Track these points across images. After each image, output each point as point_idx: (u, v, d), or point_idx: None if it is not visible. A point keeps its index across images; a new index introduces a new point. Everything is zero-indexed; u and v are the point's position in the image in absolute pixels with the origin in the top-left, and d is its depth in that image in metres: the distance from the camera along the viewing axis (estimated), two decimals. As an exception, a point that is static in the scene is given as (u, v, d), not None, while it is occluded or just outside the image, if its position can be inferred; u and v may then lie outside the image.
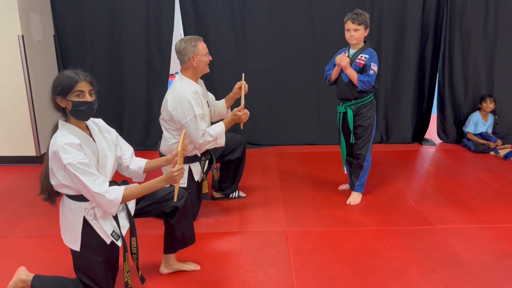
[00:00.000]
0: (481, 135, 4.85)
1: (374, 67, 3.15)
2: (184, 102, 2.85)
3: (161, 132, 3.12)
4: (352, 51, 3.24)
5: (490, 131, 4.93)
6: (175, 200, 2.19)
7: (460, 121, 5.10)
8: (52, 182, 2.01)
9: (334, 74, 3.29)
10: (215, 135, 2.94)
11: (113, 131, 2.25)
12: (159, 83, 4.89)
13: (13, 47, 4.21)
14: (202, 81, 3.22)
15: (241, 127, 3.19)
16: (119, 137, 2.29)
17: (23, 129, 4.42)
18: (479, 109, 4.93)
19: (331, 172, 4.12)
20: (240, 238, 2.91)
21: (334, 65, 3.29)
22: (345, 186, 3.69)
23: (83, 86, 1.96)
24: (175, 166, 2.08)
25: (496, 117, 4.95)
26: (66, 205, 2.07)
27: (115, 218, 2.12)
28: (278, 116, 5.10)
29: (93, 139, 2.07)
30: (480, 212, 3.24)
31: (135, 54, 4.88)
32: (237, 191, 3.54)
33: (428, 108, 5.12)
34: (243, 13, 4.84)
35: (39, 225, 3.12)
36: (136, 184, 2.19)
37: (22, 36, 4.21)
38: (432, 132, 5.32)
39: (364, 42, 3.23)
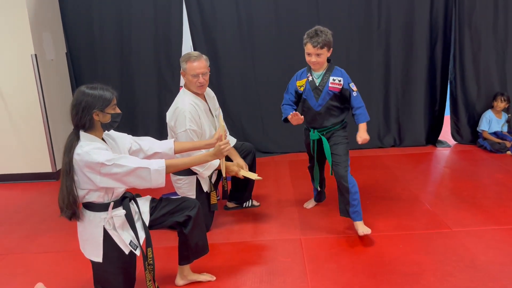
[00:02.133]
0: (496, 134, 4.78)
1: (354, 87, 2.90)
2: (180, 115, 2.89)
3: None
4: (316, 74, 2.92)
5: (505, 129, 4.85)
6: (223, 175, 2.47)
7: (474, 121, 5.03)
8: (80, 193, 2.04)
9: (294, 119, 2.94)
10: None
11: (125, 136, 2.32)
12: (170, 95, 4.93)
13: (26, 66, 4.31)
14: (213, 95, 3.23)
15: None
16: (133, 138, 2.36)
17: (38, 146, 4.50)
18: (492, 107, 4.87)
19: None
20: (255, 247, 2.90)
21: (294, 92, 3.06)
22: (311, 204, 3.48)
23: (115, 99, 2.11)
24: (221, 141, 2.23)
25: (510, 115, 4.88)
26: (86, 217, 2.11)
27: (133, 228, 2.14)
28: (289, 123, 5.09)
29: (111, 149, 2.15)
30: (497, 214, 3.18)
31: (145, 68, 4.95)
32: (250, 200, 3.54)
33: (441, 110, 5.07)
34: (250, 23, 4.88)
35: (55, 241, 3.16)
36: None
37: (35, 55, 4.31)
38: (446, 134, 5.26)
39: (328, 61, 2.92)
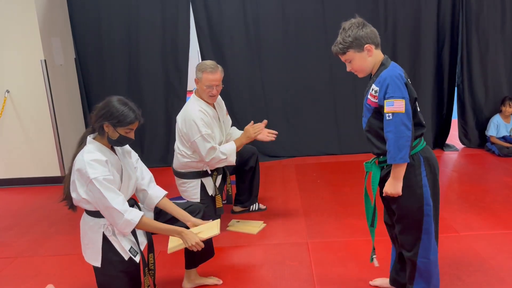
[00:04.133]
0: (505, 139, 4.75)
1: (392, 106, 1.84)
2: (191, 122, 2.92)
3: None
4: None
5: (514, 133, 4.83)
6: (168, 252, 2.22)
7: (482, 125, 5.01)
8: (73, 195, 2.07)
9: None
10: (226, 152, 2.99)
11: (134, 154, 2.32)
12: (177, 100, 4.97)
13: (36, 71, 4.37)
14: (221, 101, 3.27)
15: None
16: (140, 161, 2.35)
17: (47, 151, 4.55)
18: (500, 111, 4.84)
19: (351, 182, 4.09)
20: (261, 250, 2.90)
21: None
22: (378, 282, 2.40)
23: (135, 125, 2.08)
24: (196, 231, 2.16)
25: None
26: (86, 222, 2.13)
27: (134, 234, 2.16)
28: (296, 127, 5.12)
29: (118, 158, 2.15)
30: (506, 217, 3.16)
31: (153, 73, 4.99)
32: (257, 204, 3.55)
33: (449, 113, 5.06)
34: (257, 28, 4.91)
35: (64, 244, 3.19)
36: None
37: (45, 60, 4.36)
38: (453, 138, 5.23)
39: (383, 63, 2.00)
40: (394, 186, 1.92)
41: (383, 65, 1.98)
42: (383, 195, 2.02)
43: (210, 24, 4.91)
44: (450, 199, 3.59)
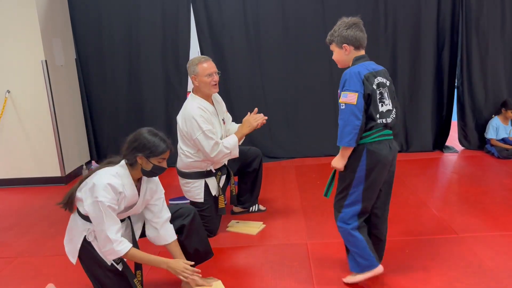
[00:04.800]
0: (504, 141, 4.76)
1: (346, 97, 2.17)
2: (191, 120, 2.93)
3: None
4: None
5: (512, 135, 4.84)
6: None
7: (482, 127, 5.01)
8: (78, 194, 2.11)
9: None
10: (229, 146, 3.01)
11: (161, 192, 2.31)
12: (178, 100, 4.98)
13: (37, 72, 4.38)
14: (220, 99, 3.28)
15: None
16: (163, 200, 2.33)
17: (48, 151, 4.56)
18: (499, 113, 4.84)
19: (351, 183, 4.10)
20: (261, 251, 2.91)
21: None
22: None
23: (167, 155, 2.14)
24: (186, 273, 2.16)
25: None
26: (75, 219, 2.18)
27: None
28: (296, 128, 5.13)
29: (139, 194, 2.17)
30: (505, 219, 3.16)
31: (154, 74, 5.00)
32: (257, 205, 3.55)
33: (448, 115, 5.06)
34: (257, 29, 4.92)
35: (65, 244, 3.19)
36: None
37: (46, 61, 4.37)
38: (453, 139, 5.24)
39: (353, 61, 2.32)
40: (338, 162, 2.29)
41: (353, 63, 2.28)
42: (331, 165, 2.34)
43: (210, 24, 4.92)
44: (450, 201, 3.60)
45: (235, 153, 3.07)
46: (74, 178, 4.81)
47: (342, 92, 2.20)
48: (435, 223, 3.17)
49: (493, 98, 4.96)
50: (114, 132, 5.15)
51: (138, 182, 2.19)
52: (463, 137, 5.13)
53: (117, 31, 4.92)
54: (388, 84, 2.30)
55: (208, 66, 2.99)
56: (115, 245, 2.01)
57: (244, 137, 3.19)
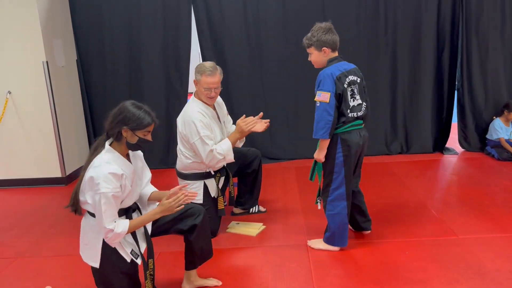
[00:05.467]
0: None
1: (320, 96, 2.53)
2: (191, 124, 2.94)
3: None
4: None
5: (512, 137, 4.83)
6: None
7: (482, 129, 5.02)
8: (81, 198, 2.10)
9: None
10: (223, 152, 3.00)
11: (141, 154, 2.35)
12: (178, 102, 4.99)
13: (38, 73, 4.39)
14: (221, 102, 3.28)
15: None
16: (144, 161, 2.39)
17: (48, 152, 4.56)
18: (500, 114, 4.83)
19: (351, 185, 4.10)
20: (261, 252, 2.92)
21: None
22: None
23: (152, 127, 2.13)
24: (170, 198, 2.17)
25: None
26: (88, 222, 2.15)
27: (134, 237, 2.18)
28: (296, 129, 5.13)
29: (131, 162, 2.19)
30: (505, 221, 3.17)
31: (154, 75, 5.01)
32: (257, 206, 3.56)
33: (448, 117, 5.07)
34: (258, 30, 4.93)
35: (65, 245, 3.20)
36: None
37: (47, 62, 4.38)
38: (453, 141, 5.25)
39: (328, 62, 2.66)
40: (318, 154, 2.68)
41: (328, 64, 2.62)
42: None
43: (211, 26, 4.93)
44: (450, 202, 3.60)
45: (230, 158, 3.06)
46: (74, 178, 4.82)
47: (317, 92, 2.56)
48: (435, 224, 3.17)
49: (493, 99, 4.97)
50: (114, 133, 5.14)
51: (127, 158, 2.20)
52: (463, 139, 5.13)
53: (117, 32, 4.93)
54: (358, 81, 2.65)
55: (210, 81, 2.96)
56: (116, 230, 2.02)
57: (238, 141, 3.15)
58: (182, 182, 3.14)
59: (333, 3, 4.83)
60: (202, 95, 3.03)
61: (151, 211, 2.20)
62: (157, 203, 2.31)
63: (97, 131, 5.20)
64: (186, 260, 2.44)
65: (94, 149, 2.14)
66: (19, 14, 4.28)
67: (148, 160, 2.47)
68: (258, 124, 3.12)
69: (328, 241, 2.83)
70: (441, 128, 5.13)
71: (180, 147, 3.11)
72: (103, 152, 2.10)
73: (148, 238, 2.24)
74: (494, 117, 4.89)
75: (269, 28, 4.92)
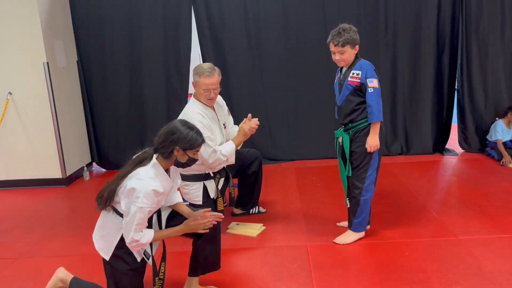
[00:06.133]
0: (505, 145, 4.75)
1: (372, 83, 2.74)
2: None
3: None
4: (344, 70, 2.91)
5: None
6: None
7: (482, 130, 5.02)
8: (115, 198, 2.14)
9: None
10: (227, 154, 3.02)
11: (177, 170, 2.39)
12: (178, 103, 4.99)
13: (38, 74, 4.40)
14: (222, 102, 3.29)
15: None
16: (179, 175, 2.48)
17: (49, 152, 4.57)
18: (503, 116, 4.83)
19: (351, 185, 4.11)
20: (261, 253, 2.92)
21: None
22: (343, 223, 3.21)
23: (200, 147, 2.22)
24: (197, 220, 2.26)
25: None
26: (111, 218, 2.18)
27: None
28: (296, 130, 5.14)
29: (170, 177, 2.24)
30: (504, 222, 3.17)
31: (155, 76, 5.02)
32: (257, 207, 3.56)
33: (448, 118, 5.08)
34: (258, 31, 4.94)
35: (65, 245, 3.21)
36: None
37: (47, 63, 4.39)
38: (453, 142, 5.25)
39: (357, 56, 2.86)
40: (375, 139, 2.78)
41: (357, 58, 2.86)
42: (368, 151, 2.79)
43: (211, 27, 4.94)
44: (449, 203, 3.60)
45: (232, 160, 3.08)
46: (75, 179, 4.83)
47: (367, 79, 2.74)
48: (435, 225, 3.18)
49: (493, 101, 4.97)
50: (115, 133, 5.16)
51: (167, 172, 2.25)
52: (463, 140, 5.14)
53: (118, 33, 4.94)
54: None
55: (209, 82, 2.96)
56: (141, 241, 2.08)
57: (242, 143, 3.18)
58: (182, 183, 3.14)
59: (333, 4, 4.84)
60: (201, 97, 3.04)
61: (177, 228, 2.26)
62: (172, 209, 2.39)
63: (98, 132, 5.21)
64: (190, 266, 2.44)
65: (140, 161, 2.16)
66: (20, 15, 4.30)
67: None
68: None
69: (358, 228, 2.97)
70: (441, 129, 5.13)
71: None
72: (149, 165, 2.13)
73: (163, 242, 2.30)
74: (497, 118, 4.89)
75: (269, 29, 4.93)
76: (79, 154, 4.99)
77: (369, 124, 2.79)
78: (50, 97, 4.46)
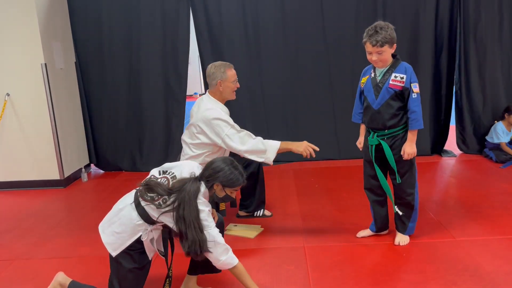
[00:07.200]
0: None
1: (416, 88, 2.60)
2: (217, 121, 2.95)
3: (180, 152, 3.20)
4: (379, 70, 2.69)
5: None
6: None
7: (480, 132, 5.03)
8: (153, 213, 2.13)
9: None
10: (266, 145, 2.93)
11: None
12: (177, 104, 5.00)
13: (36, 75, 4.39)
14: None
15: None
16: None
17: (47, 154, 4.56)
18: (502, 118, 4.83)
19: (349, 187, 4.11)
20: (259, 254, 2.92)
21: (361, 94, 2.83)
22: (365, 233, 3.06)
23: (239, 188, 2.28)
24: None
25: None
26: (131, 217, 2.15)
27: (164, 241, 2.29)
28: (295, 131, 5.14)
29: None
30: (502, 223, 3.17)
31: (153, 77, 5.02)
32: (262, 210, 3.52)
33: (446, 119, 5.08)
34: (257, 32, 4.94)
35: (63, 247, 3.20)
36: None
37: (45, 64, 4.39)
38: (451, 143, 5.26)
39: (393, 56, 2.68)
40: (412, 147, 2.65)
41: (396, 59, 2.66)
42: (404, 158, 2.66)
43: (209, 28, 4.94)
44: (447, 204, 3.61)
45: (269, 157, 2.95)
46: (73, 181, 4.82)
47: (412, 84, 2.59)
48: (433, 226, 3.18)
49: (491, 102, 4.98)
50: (113, 135, 5.16)
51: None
52: (461, 141, 5.14)
53: (116, 34, 4.94)
54: None
55: (234, 73, 3.10)
56: (230, 253, 2.17)
57: (285, 151, 3.07)
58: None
59: (332, 5, 4.84)
60: (228, 91, 3.08)
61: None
62: None
63: (96, 133, 5.21)
64: (190, 263, 2.44)
65: (186, 181, 2.15)
66: (18, 16, 4.29)
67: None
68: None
69: (412, 230, 2.94)
70: (439, 130, 5.14)
71: (188, 151, 3.07)
72: (202, 189, 2.15)
73: (172, 240, 2.33)
74: (496, 121, 4.90)
75: (268, 30, 4.93)
76: (77, 156, 4.99)
77: (407, 130, 2.66)
78: (48, 98, 4.45)
